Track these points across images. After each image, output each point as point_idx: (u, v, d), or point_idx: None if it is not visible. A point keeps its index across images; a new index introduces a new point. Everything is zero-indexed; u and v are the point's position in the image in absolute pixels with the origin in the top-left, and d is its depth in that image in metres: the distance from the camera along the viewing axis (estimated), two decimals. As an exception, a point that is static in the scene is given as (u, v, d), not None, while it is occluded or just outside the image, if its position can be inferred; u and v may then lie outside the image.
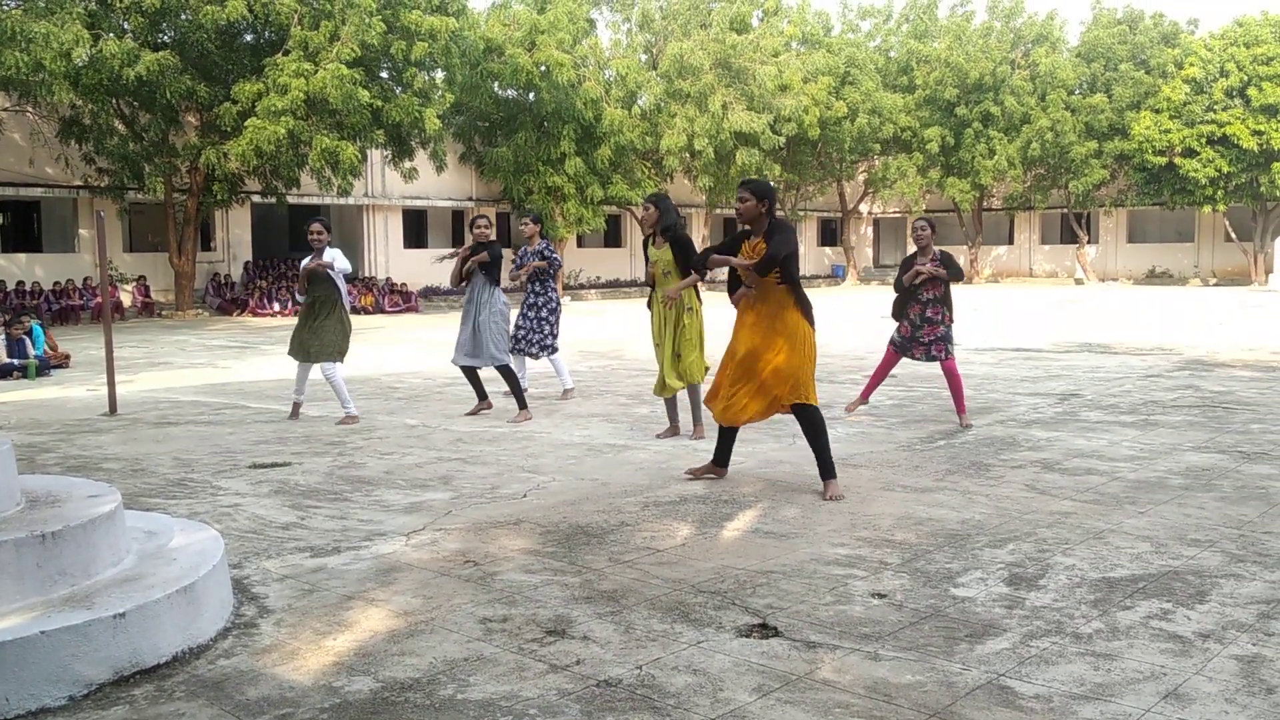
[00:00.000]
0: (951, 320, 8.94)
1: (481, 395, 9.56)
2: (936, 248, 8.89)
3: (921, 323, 8.83)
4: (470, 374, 9.53)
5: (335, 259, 9.16)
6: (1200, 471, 6.78)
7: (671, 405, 8.41)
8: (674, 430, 8.36)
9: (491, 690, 3.46)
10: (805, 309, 6.22)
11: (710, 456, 6.75)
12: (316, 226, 9.19)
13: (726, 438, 6.58)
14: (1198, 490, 6.24)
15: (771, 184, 6.47)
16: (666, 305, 7.83)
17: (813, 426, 6.20)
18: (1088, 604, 4.24)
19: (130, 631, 3.60)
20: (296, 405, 9.54)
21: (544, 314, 10.51)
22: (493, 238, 9.44)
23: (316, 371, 9.40)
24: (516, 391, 9.33)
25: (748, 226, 6.33)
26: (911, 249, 8.99)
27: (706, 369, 8.01)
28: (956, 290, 9.04)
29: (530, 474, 6.92)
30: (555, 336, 10.65)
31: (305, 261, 9.31)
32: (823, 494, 6.14)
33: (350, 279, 31.36)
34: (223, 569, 4.22)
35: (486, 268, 9.29)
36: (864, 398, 9.30)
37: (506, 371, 9.31)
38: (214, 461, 7.50)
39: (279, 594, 4.46)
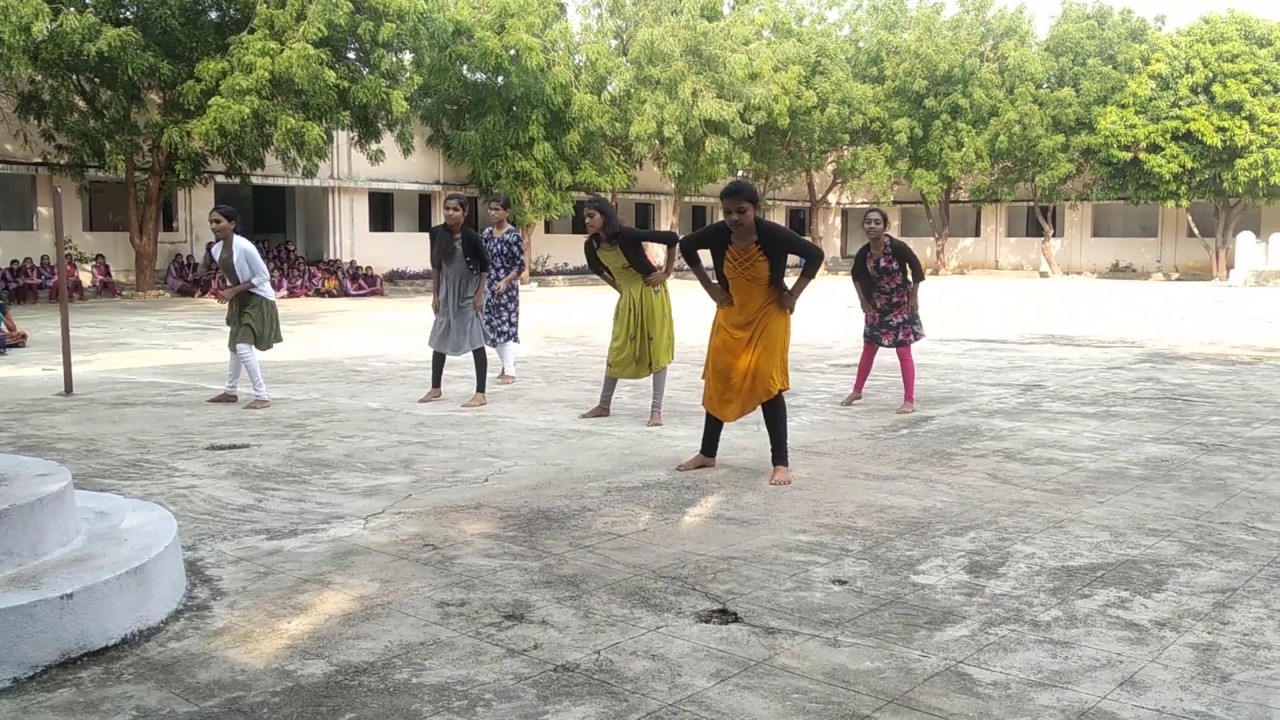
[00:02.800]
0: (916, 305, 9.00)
1: (436, 384, 9.42)
2: (897, 238, 8.97)
3: (889, 307, 8.88)
4: (439, 361, 9.40)
5: (248, 259, 8.91)
6: (1159, 462, 6.83)
7: (610, 386, 8.46)
8: (603, 411, 8.44)
9: (447, 674, 3.41)
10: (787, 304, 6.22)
11: (675, 442, 6.73)
12: (215, 214, 8.92)
13: (713, 427, 6.52)
14: (1157, 481, 6.29)
15: (752, 185, 6.42)
16: (655, 290, 8.12)
17: (774, 412, 6.21)
18: (1046, 592, 4.25)
19: (78, 613, 3.53)
20: (227, 394, 9.27)
21: (503, 300, 10.44)
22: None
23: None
24: (481, 375, 9.25)
25: (730, 225, 6.20)
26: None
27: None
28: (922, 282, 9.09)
29: (492, 458, 6.86)
30: (515, 325, 10.60)
31: (216, 251, 9.09)
32: (770, 477, 6.15)
33: (313, 261, 31.05)
34: (175, 550, 4.15)
35: (477, 259, 9.14)
36: (857, 391, 9.29)
37: (481, 355, 9.21)
38: (171, 443, 7.39)
39: (233, 576, 4.39)
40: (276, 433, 7.80)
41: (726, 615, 3.96)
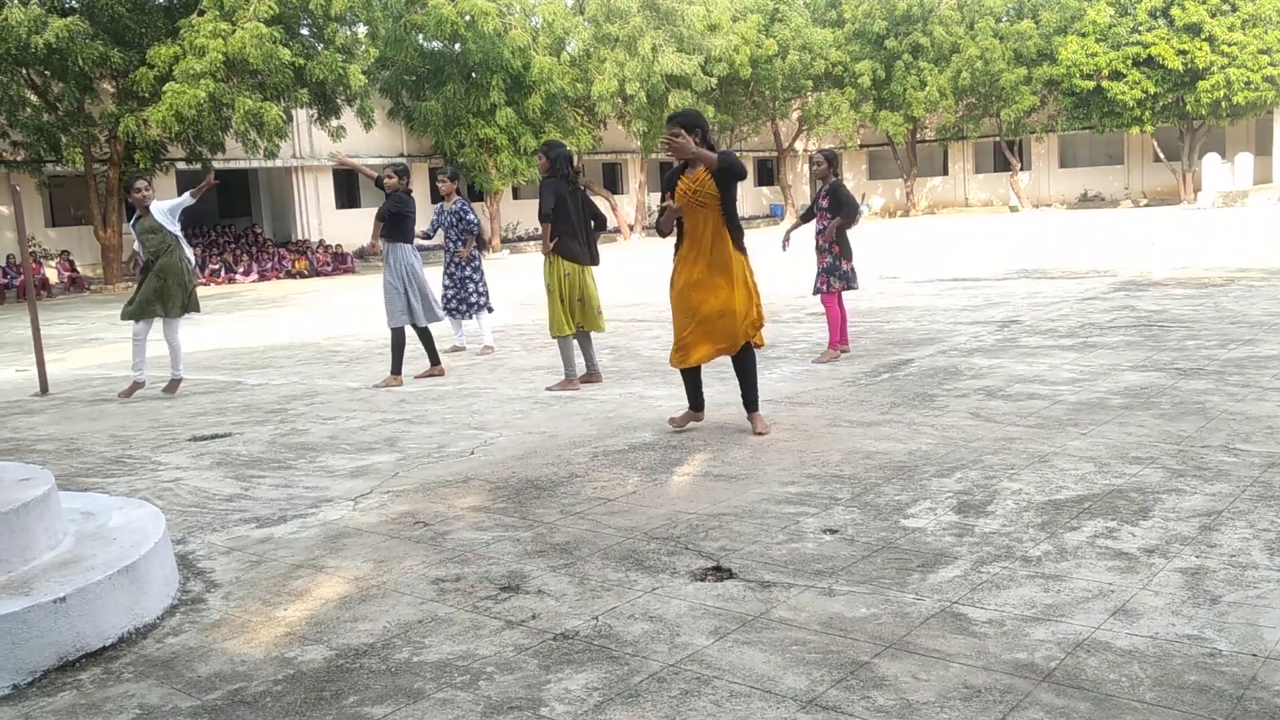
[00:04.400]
0: (845, 254, 8.90)
1: (435, 360, 9.30)
2: (843, 184, 9.01)
3: (816, 254, 8.95)
4: (421, 337, 9.26)
5: (168, 211, 8.95)
6: (1139, 390, 6.89)
7: (583, 353, 8.46)
8: (589, 376, 8.41)
9: (447, 651, 3.42)
10: (738, 239, 6.16)
11: (658, 403, 6.73)
12: (139, 184, 9.00)
13: (691, 381, 6.47)
14: (1137, 409, 6.34)
15: (699, 112, 6.33)
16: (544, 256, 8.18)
17: (744, 361, 6.21)
18: (1035, 527, 4.29)
19: (72, 615, 3.52)
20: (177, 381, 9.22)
21: (468, 273, 10.39)
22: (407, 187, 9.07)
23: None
24: (396, 358, 8.99)
25: (683, 162, 6.21)
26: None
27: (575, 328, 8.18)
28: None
29: (477, 430, 6.85)
30: (484, 294, 10.54)
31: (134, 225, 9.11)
32: (754, 429, 6.20)
33: (281, 243, 30.73)
34: (165, 546, 4.13)
35: (389, 226, 8.92)
36: (843, 343, 9.22)
37: (395, 336, 8.99)
38: (152, 436, 7.35)
39: (226, 567, 4.38)
40: (258, 419, 7.77)
41: (721, 572, 3.99)
